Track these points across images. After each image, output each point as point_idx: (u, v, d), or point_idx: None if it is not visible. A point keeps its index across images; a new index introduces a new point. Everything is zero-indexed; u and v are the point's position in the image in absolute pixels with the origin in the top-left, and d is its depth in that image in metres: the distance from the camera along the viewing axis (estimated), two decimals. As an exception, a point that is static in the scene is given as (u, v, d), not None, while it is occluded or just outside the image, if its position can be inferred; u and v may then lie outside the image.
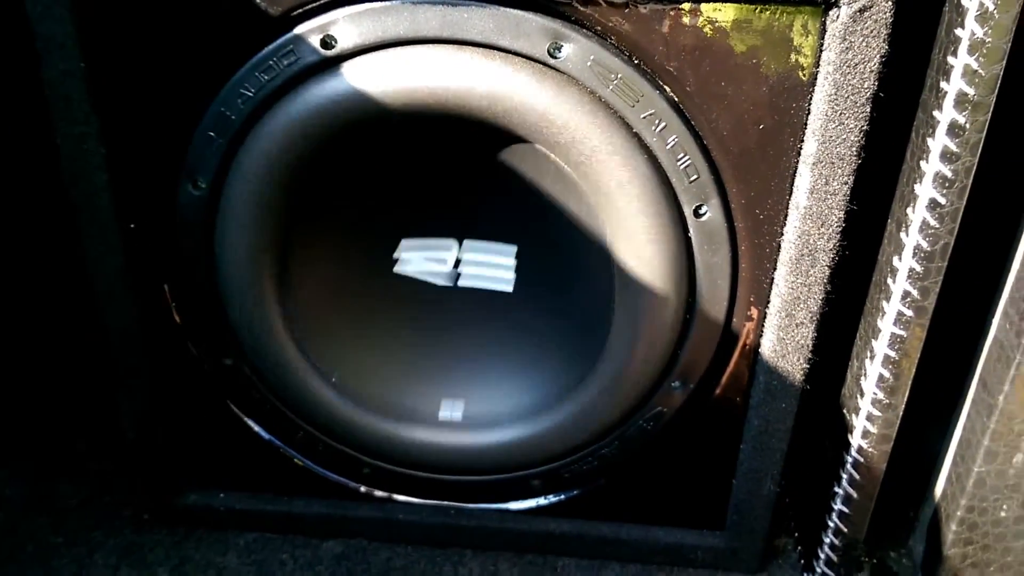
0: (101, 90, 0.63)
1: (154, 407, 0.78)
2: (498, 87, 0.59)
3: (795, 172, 0.60)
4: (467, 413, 0.77)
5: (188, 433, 0.81)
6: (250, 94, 0.63)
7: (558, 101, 0.59)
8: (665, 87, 0.59)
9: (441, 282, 0.75)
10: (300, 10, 0.60)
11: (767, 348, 0.67)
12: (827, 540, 0.72)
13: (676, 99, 0.60)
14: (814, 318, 0.64)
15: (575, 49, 0.58)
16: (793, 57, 0.56)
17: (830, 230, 0.61)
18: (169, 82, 0.64)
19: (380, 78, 0.60)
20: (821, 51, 0.56)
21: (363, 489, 0.82)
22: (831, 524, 0.72)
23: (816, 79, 0.57)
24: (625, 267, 0.64)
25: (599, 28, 0.58)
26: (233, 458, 0.82)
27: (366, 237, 0.74)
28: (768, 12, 0.55)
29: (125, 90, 0.64)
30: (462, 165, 0.68)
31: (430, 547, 0.82)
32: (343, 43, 0.61)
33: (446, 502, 0.82)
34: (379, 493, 0.82)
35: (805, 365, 0.66)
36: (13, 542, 0.84)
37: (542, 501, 0.80)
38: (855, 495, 0.69)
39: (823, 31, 0.55)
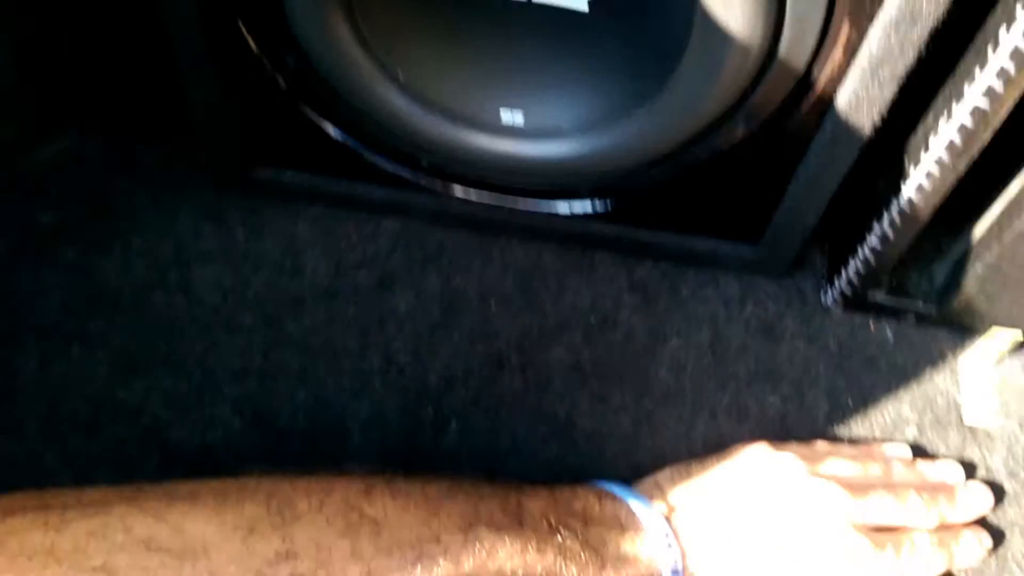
0: None
1: (217, 97, 0.80)
2: None
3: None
4: (525, 123, 0.77)
5: (255, 121, 0.84)
6: None
7: None
8: None
9: None
10: None
11: (842, 100, 0.64)
12: (853, 265, 0.78)
13: None
14: (899, 80, 0.61)
15: None
16: None
17: (941, -6, 0.55)
18: None
19: None
20: None
21: (422, 180, 0.86)
22: (861, 254, 0.76)
23: None
24: (707, 6, 0.60)
25: None
26: (294, 141, 0.85)
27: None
28: None
29: None
30: None
31: (480, 234, 0.89)
32: None
33: (497, 197, 0.86)
34: (436, 184, 0.87)
35: (877, 120, 0.65)
36: (100, 199, 0.92)
37: (587, 207, 0.84)
38: (891, 236, 0.72)
39: None
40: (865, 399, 0.76)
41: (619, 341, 0.80)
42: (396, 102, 0.76)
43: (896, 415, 0.76)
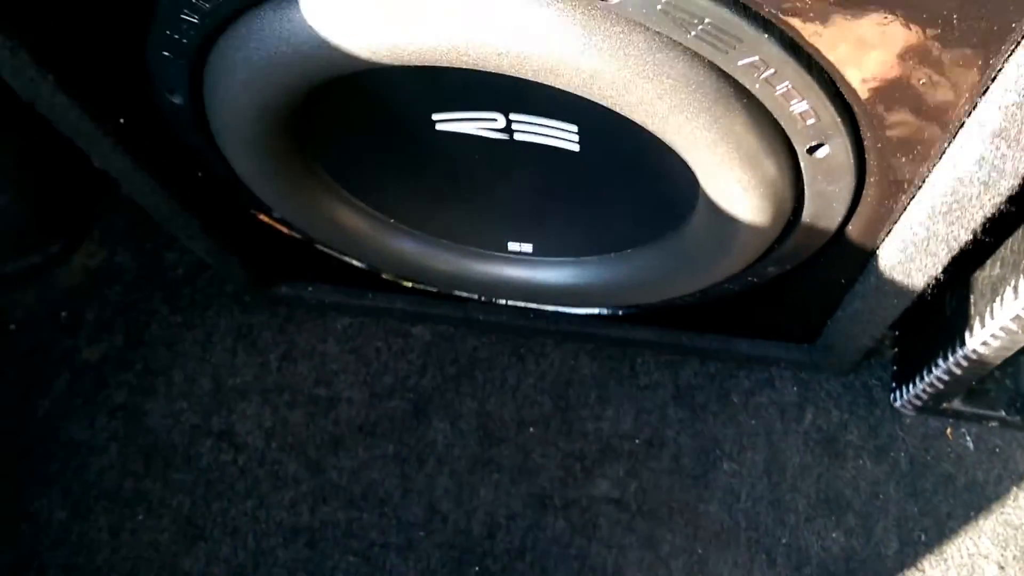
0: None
1: (215, 246, 0.77)
2: (522, 42, 0.40)
3: (959, 128, 0.42)
4: (533, 252, 0.71)
5: (267, 252, 0.80)
6: (194, 19, 0.46)
7: (616, 56, 0.40)
8: (776, 26, 0.39)
9: (494, 136, 0.61)
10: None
11: (886, 262, 0.55)
12: (923, 379, 0.69)
13: (792, 38, 0.39)
14: (951, 253, 0.51)
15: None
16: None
17: (994, 194, 0.44)
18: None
19: (336, 25, 0.42)
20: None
21: (442, 291, 0.82)
22: (928, 379, 0.67)
23: (1027, 39, 0.35)
24: (710, 195, 0.51)
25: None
26: (312, 262, 0.82)
27: (399, 104, 0.60)
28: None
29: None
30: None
31: (514, 335, 0.85)
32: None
33: (523, 304, 0.81)
34: (458, 293, 0.82)
35: (928, 282, 0.55)
36: (139, 321, 0.92)
37: (619, 311, 0.78)
38: (959, 373, 0.63)
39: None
40: (941, 531, 0.69)
41: (666, 468, 0.75)
42: (396, 248, 0.71)
43: (975, 549, 0.69)
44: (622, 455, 0.77)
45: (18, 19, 0.48)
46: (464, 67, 0.44)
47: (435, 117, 0.58)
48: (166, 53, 0.50)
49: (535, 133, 0.58)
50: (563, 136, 0.58)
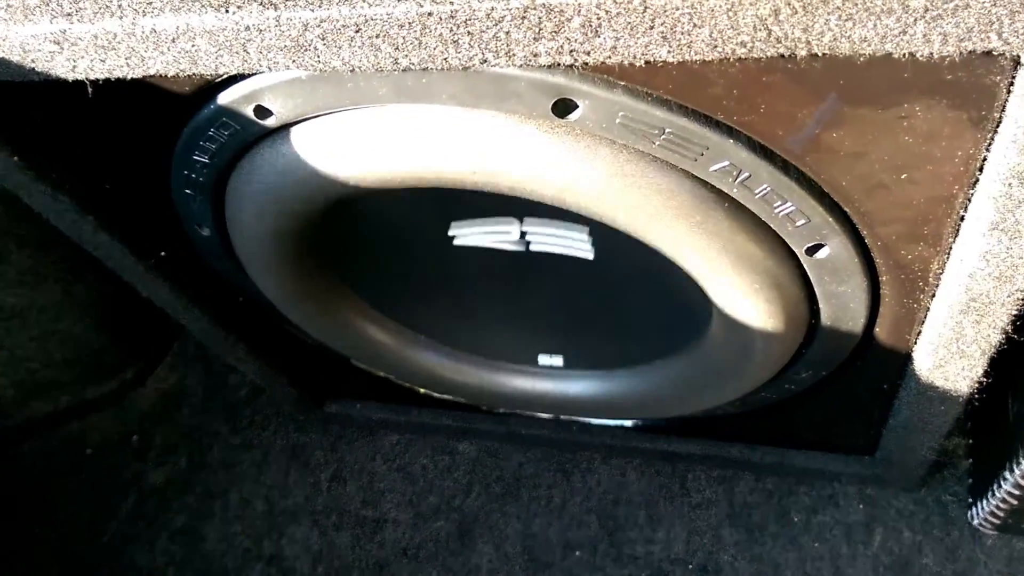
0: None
1: (264, 369, 0.79)
2: (492, 161, 0.41)
3: (960, 222, 0.39)
4: (564, 364, 0.69)
5: (315, 371, 0.83)
6: (205, 160, 0.50)
7: (584, 168, 0.41)
8: (743, 132, 0.38)
9: (510, 248, 0.62)
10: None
11: (922, 366, 0.51)
12: (994, 501, 0.62)
13: (762, 143, 0.38)
14: (986, 354, 0.47)
15: (592, 106, 0.38)
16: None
17: (1012, 290, 0.41)
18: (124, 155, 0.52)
19: (329, 157, 0.44)
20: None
21: (484, 407, 0.81)
22: (1000, 494, 0.61)
23: (1000, 126, 0.33)
24: (715, 302, 0.49)
25: (626, 81, 0.36)
26: (359, 380, 0.83)
27: (415, 218, 0.62)
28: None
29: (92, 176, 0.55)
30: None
31: (559, 450, 0.82)
32: (280, 112, 0.44)
33: (566, 417, 0.79)
34: (499, 409, 0.81)
35: (972, 386, 0.50)
36: (202, 443, 0.95)
37: (661, 422, 0.75)
38: (1031, 488, 0.57)
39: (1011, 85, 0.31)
40: (1034, 675, 0.61)
41: (720, 599, 0.70)
42: (428, 365, 0.72)
43: None
44: (673, 583, 0.72)
45: (56, 167, 0.52)
46: (449, 187, 0.45)
47: (452, 232, 0.59)
48: (188, 191, 0.53)
49: (549, 244, 0.58)
50: (577, 242, 0.57)
